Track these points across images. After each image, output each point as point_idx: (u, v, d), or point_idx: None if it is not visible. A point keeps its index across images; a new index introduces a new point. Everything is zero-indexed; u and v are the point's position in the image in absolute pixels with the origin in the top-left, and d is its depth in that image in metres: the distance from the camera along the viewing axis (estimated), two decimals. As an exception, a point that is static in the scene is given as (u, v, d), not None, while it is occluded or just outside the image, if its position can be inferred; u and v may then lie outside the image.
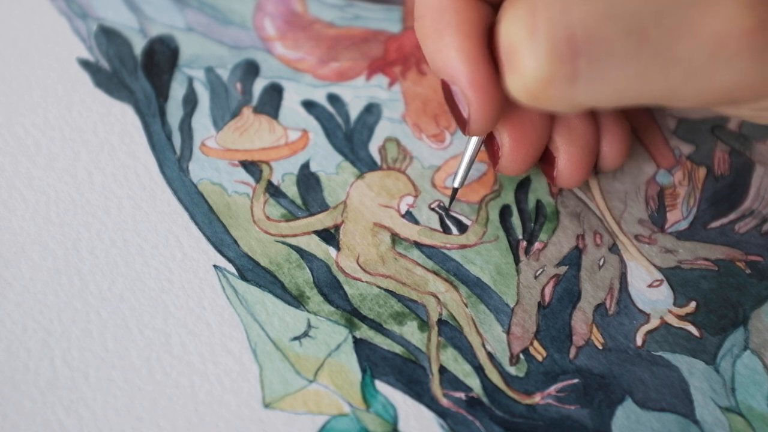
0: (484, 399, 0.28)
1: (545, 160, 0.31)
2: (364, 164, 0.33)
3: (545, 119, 0.29)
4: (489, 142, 0.30)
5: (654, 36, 0.23)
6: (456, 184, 0.31)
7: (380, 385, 0.28)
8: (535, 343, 0.29)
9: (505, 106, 0.27)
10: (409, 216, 0.32)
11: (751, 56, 0.23)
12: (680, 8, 0.23)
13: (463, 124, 0.27)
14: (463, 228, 0.32)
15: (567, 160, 0.30)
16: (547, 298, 0.30)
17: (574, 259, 0.31)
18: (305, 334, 0.29)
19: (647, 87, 0.24)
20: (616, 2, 0.23)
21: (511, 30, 0.24)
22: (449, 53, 0.26)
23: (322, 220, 0.32)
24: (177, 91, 0.35)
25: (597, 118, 0.31)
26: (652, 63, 0.23)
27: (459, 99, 0.27)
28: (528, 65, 0.23)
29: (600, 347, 0.29)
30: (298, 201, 0.32)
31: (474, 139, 0.30)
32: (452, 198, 0.32)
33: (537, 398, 0.28)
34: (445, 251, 0.31)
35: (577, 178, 0.31)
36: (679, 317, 0.30)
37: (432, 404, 0.28)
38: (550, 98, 0.24)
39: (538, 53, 0.23)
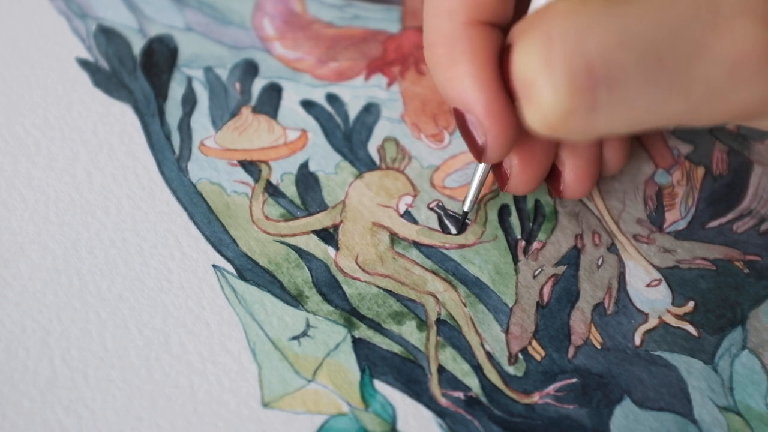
0: (483, 398, 0.28)
1: (551, 175, 0.31)
2: (362, 164, 0.33)
3: (552, 139, 0.29)
4: (497, 166, 0.30)
5: (671, 60, 0.23)
6: (466, 208, 0.31)
7: (379, 385, 0.28)
8: (534, 343, 0.29)
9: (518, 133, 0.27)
10: (407, 216, 0.32)
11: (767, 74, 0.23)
12: (695, 31, 0.22)
13: (478, 152, 0.27)
14: (458, 223, 0.32)
15: (573, 174, 0.30)
16: (545, 298, 0.30)
17: (572, 258, 0.31)
18: (304, 334, 0.29)
19: (667, 111, 0.23)
20: (631, 29, 0.22)
21: (526, 62, 0.23)
22: (464, 82, 0.26)
23: (321, 220, 0.32)
24: (176, 90, 0.35)
25: None
26: (671, 87, 0.23)
27: (474, 127, 0.26)
28: (546, 98, 0.23)
29: (598, 347, 0.29)
30: (297, 201, 0.32)
31: (482, 165, 0.30)
32: (462, 222, 0.32)
33: (536, 398, 0.28)
34: (444, 251, 0.31)
35: (583, 189, 0.31)
36: (678, 317, 0.30)
37: (431, 404, 0.28)
38: (569, 129, 0.24)
39: (557, 85, 0.23)
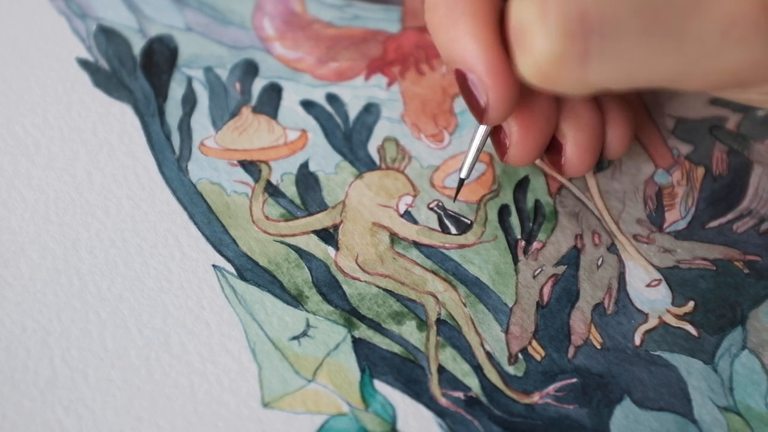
0: (483, 398, 0.28)
1: (552, 149, 0.30)
2: (362, 164, 0.33)
3: (552, 107, 0.29)
4: (495, 134, 0.30)
5: (665, 14, 0.23)
6: (463, 175, 0.31)
7: (379, 385, 0.28)
8: (534, 343, 0.29)
9: (519, 93, 0.27)
10: (407, 216, 0.32)
11: (762, 37, 0.23)
12: None
13: (480, 113, 0.27)
14: (462, 226, 0.32)
15: (575, 146, 0.30)
16: (545, 298, 0.30)
17: (572, 258, 0.31)
18: (304, 334, 0.29)
19: (659, 66, 0.24)
20: None
21: (521, 10, 0.24)
22: (465, 41, 0.26)
23: (321, 220, 0.32)
24: (176, 90, 0.35)
25: (602, 105, 0.31)
26: (664, 41, 0.23)
27: (476, 87, 0.26)
28: (539, 44, 0.23)
29: (598, 347, 0.29)
30: (297, 201, 0.32)
31: (481, 129, 0.30)
32: (458, 189, 0.31)
33: (535, 398, 0.28)
34: (444, 251, 0.31)
35: (585, 164, 0.30)
36: (678, 317, 0.30)
37: (431, 404, 0.28)
38: (562, 78, 0.24)
39: (550, 32, 0.23)
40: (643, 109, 0.35)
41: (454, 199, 0.32)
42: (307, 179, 0.33)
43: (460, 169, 0.31)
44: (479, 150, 0.30)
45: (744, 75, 0.24)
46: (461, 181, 0.31)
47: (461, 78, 0.27)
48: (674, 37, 0.23)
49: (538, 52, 0.24)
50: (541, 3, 0.23)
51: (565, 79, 0.24)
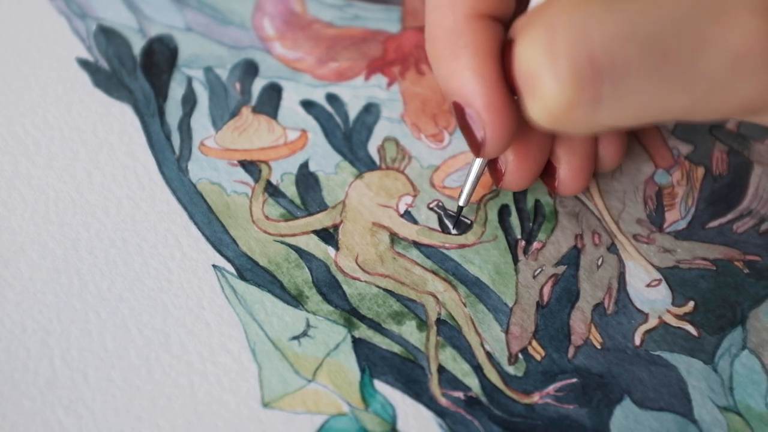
0: (483, 398, 0.28)
1: (546, 171, 0.31)
2: (362, 164, 0.33)
3: (547, 135, 0.29)
4: (492, 162, 0.30)
5: (674, 53, 0.23)
6: (461, 203, 0.31)
7: (379, 385, 0.28)
8: (534, 343, 0.29)
9: (516, 129, 0.27)
10: (407, 216, 0.32)
11: None
12: (698, 24, 0.22)
13: (477, 146, 0.27)
14: (462, 226, 0.32)
15: (568, 170, 0.30)
16: (545, 298, 0.30)
17: (572, 258, 0.31)
18: (304, 334, 0.29)
19: (670, 104, 0.23)
20: (634, 21, 0.22)
21: (530, 54, 0.23)
22: (465, 75, 0.26)
23: (321, 220, 0.32)
24: (176, 90, 0.35)
25: None
26: (674, 80, 0.23)
27: (474, 121, 0.26)
28: (550, 90, 0.23)
29: (598, 347, 0.29)
30: (297, 201, 0.32)
31: (479, 160, 0.30)
32: (458, 216, 0.32)
33: (536, 398, 0.28)
34: (444, 251, 0.31)
35: (578, 185, 0.31)
36: (678, 317, 0.30)
37: (431, 404, 0.28)
38: (573, 122, 0.24)
39: (561, 78, 0.23)
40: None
41: (453, 226, 0.32)
42: (307, 179, 0.33)
43: (459, 197, 0.31)
44: (476, 180, 0.30)
45: (755, 105, 0.24)
46: (460, 209, 0.31)
47: (459, 111, 0.27)
48: (684, 74, 0.23)
49: (549, 98, 0.23)
50: (550, 47, 0.23)
51: (576, 122, 0.24)
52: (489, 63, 0.26)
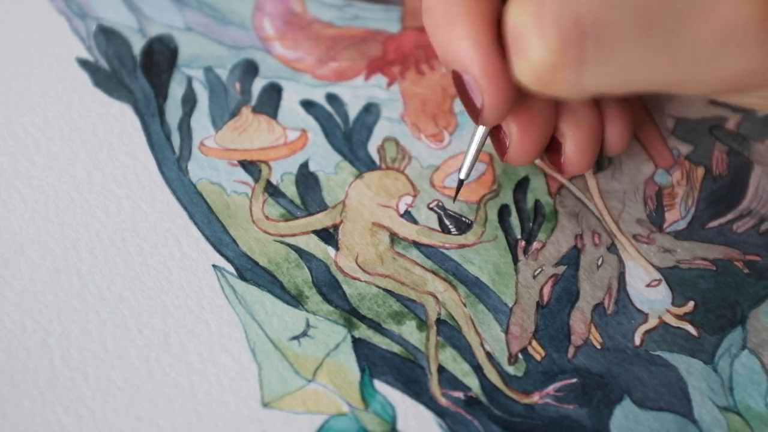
0: (483, 398, 0.28)
1: (552, 148, 0.30)
2: (362, 164, 0.33)
3: (551, 107, 0.29)
4: (495, 134, 0.30)
5: (662, 20, 0.23)
6: (462, 176, 0.31)
7: (379, 385, 0.28)
8: (534, 343, 0.29)
9: (515, 95, 0.27)
10: (407, 216, 0.32)
11: (760, 45, 0.23)
12: None
13: (476, 114, 0.27)
14: (462, 226, 0.32)
15: (574, 146, 0.30)
16: (545, 298, 0.30)
17: (572, 258, 0.31)
18: (304, 334, 0.29)
19: (655, 72, 0.24)
20: None
21: (518, 15, 0.24)
22: (461, 43, 0.26)
23: (321, 220, 0.32)
24: (176, 90, 0.35)
25: (600, 104, 0.31)
26: (661, 47, 0.23)
27: (472, 88, 0.27)
28: (536, 50, 0.23)
29: (598, 347, 0.29)
30: (297, 201, 0.32)
31: (480, 130, 0.30)
32: (458, 189, 0.32)
33: (535, 398, 0.28)
34: (444, 251, 0.31)
35: (584, 163, 0.30)
36: (678, 317, 0.30)
37: (431, 404, 0.28)
38: (557, 83, 0.24)
39: (546, 38, 0.23)
40: (643, 109, 0.35)
41: (454, 199, 0.32)
42: (307, 179, 0.33)
43: (460, 170, 0.31)
44: (478, 151, 0.30)
45: (742, 81, 0.24)
46: (461, 182, 0.31)
47: (458, 79, 0.27)
48: (671, 42, 0.23)
49: (534, 58, 0.24)
50: (537, 9, 0.23)
51: (561, 84, 0.24)
52: (484, 30, 0.26)
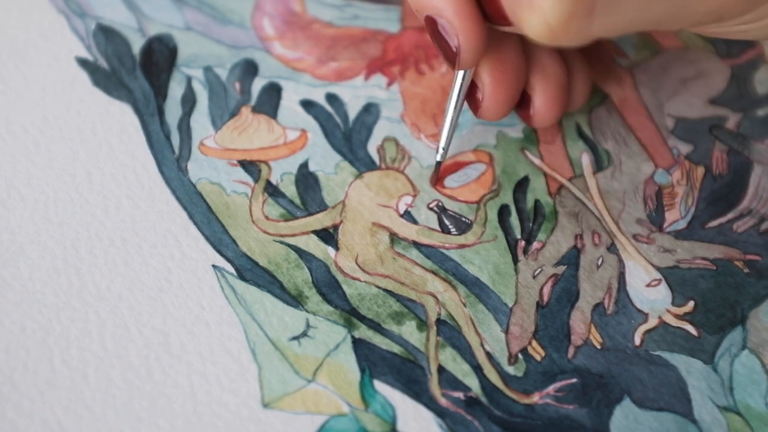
0: (483, 399, 0.28)
1: (522, 103, 0.32)
2: (362, 164, 0.33)
3: (521, 60, 0.31)
4: (469, 92, 0.31)
5: None
6: (443, 144, 0.32)
7: (379, 385, 0.28)
8: (534, 343, 0.29)
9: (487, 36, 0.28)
10: (407, 216, 0.32)
11: None
12: None
13: (452, 57, 0.28)
14: (462, 226, 0.32)
15: (543, 98, 0.31)
16: (545, 298, 0.30)
17: (572, 258, 0.31)
18: (304, 334, 0.29)
19: (653, 12, 0.25)
20: None
21: None
22: None
23: (321, 220, 0.32)
24: (175, 90, 0.35)
25: (565, 59, 0.32)
26: None
27: (447, 31, 0.28)
28: (549, 3, 0.24)
29: (598, 347, 0.29)
30: (297, 201, 0.32)
31: (458, 80, 0.30)
32: (441, 159, 0.32)
33: (535, 398, 0.28)
34: (444, 251, 0.31)
35: (552, 114, 0.32)
36: (678, 317, 0.30)
37: (431, 404, 0.28)
38: (569, 33, 0.25)
39: None
40: (643, 109, 0.35)
41: (434, 181, 0.32)
42: (306, 179, 0.33)
43: (439, 136, 0.32)
44: (457, 111, 0.31)
45: (721, 10, 0.26)
46: (444, 152, 0.32)
47: (431, 24, 0.28)
48: None
49: (547, 11, 0.24)
50: None
51: (571, 33, 0.25)
52: None
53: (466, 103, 0.31)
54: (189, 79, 0.35)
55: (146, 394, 0.28)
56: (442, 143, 0.32)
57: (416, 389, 0.28)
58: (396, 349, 0.29)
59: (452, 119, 0.31)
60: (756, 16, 0.26)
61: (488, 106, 0.31)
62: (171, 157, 0.33)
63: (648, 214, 0.33)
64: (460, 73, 0.30)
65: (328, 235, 0.31)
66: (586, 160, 0.34)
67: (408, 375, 0.28)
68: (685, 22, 0.26)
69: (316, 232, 0.31)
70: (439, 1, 0.27)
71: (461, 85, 0.30)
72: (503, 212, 0.32)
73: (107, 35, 0.36)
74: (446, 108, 0.31)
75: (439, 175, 0.32)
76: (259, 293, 0.30)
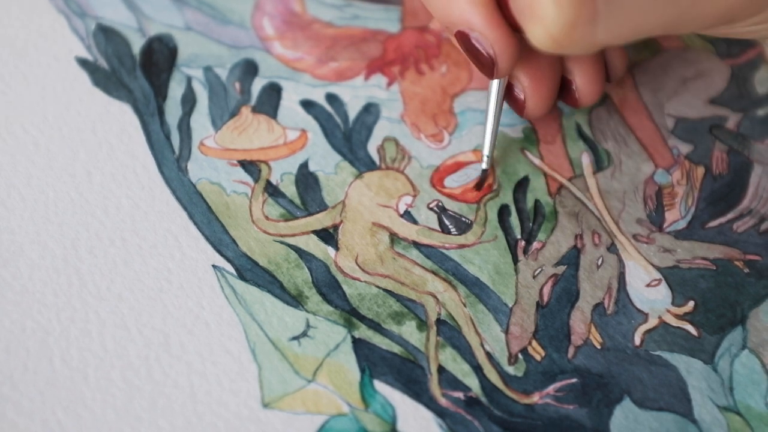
0: (483, 399, 0.28)
1: (563, 89, 0.32)
2: (362, 164, 0.33)
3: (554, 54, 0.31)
4: (509, 95, 0.31)
5: None
6: (486, 152, 0.32)
7: (379, 385, 0.28)
8: (534, 343, 0.29)
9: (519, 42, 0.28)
10: (407, 216, 0.32)
11: None
12: None
13: (489, 67, 0.29)
14: (462, 226, 0.32)
15: (583, 78, 0.31)
16: (545, 298, 0.30)
17: (572, 258, 0.31)
18: (304, 334, 0.29)
19: (659, 17, 0.25)
20: None
21: None
22: (460, 3, 0.28)
23: (321, 220, 0.32)
24: (175, 90, 0.35)
25: None
26: None
27: (480, 42, 0.28)
28: (550, 13, 0.24)
29: (598, 347, 0.29)
30: (297, 201, 0.32)
31: (494, 90, 0.31)
32: (484, 177, 0.32)
33: (535, 398, 0.28)
34: (444, 251, 0.31)
35: (595, 91, 0.32)
36: (678, 316, 0.30)
37: (431, 404, 0.28)
38: (572, 42, 0.25)
39: (560, 1, 0.24)
40: (643, 109, 0.35)
41: (482, 181, 0.33)
42: (306, 179, 0.33)
43: (483, 147, 0.32)
44: (497, 119, 0.31)
45: (732, 13, 0.26)
46: (487, 170, 0.32)
47: (464, 39, 0.28)
48: None
49: (549, 21, 0.25)
50: None
51: (575, 42, 0.25)
52: None
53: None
54: (189, 79, 0.35)
55: (146, 394, 0.28)
56: (486, 151, 0.32)
57: (416, 389, 0.28)
58: (396, 349, 0.29)
59: (493, 126, 0.31)
60: (767, 16, 0.26)
61: (533, 105, 0.31)
62: (171, 157, 0.33)
63: (648, 214, 0.33)
64: (496, 80, 0.30)
65: (328, 235, 0.31)
66: (586, 160, 0.34)
67: (408, 375, 0.28)
68: (694, 25, 0.26)
69: (316, 232, 0.31)
70: (470, 14, 0.28)
71: (498, 92, 0.31)
72: (503, 212, 0.32)
73: (107, 35, 0.36)
74: (486, 115, 0.31)
75: (482, 182, 0.33)
76: (259, 293, 0.30)
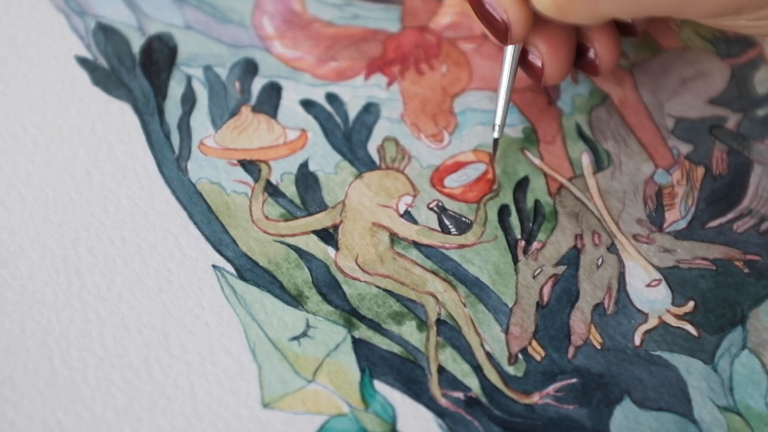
0: (483, 399, 0.28)
1: (580, 56, 0.32)
2: (362, 164, 0.33)
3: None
4: (526, 64, 0.31)
5: None
6: (498, 121, 0.32)
7: (379, 385, 0.28)
8: (534, 343, 0.29)
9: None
10: (407, 216, 0.32)
11: None
12: None
13: (503, 32, 0.29)
14: (462, 226, 0.32)
15: (601, 41, 0.31)
16: (545, 298, 0.30)
17: (572, 258, 0.31)
18: (304, 334, 0.29)
19: None
20: None
21: None
22: None
23: (321, 220, 0.32)
24: (175, 89, 0.35)
25: None
26: None
27: (494, 7, 0.28)
28: None
29: (598, 347, 0.29)
30: (297, 200, 0.32)
31: (509, 56, 0.31)
32: (495, 147, 0.33)
33: (535, 398, 0.28)
34: (444, 251, 0.31)
35: (615, 52, 0.32)
36: (678, 317, 0.30)
37: (431, 404, 0.28)
38: (576, 10, 0.26)
39: None
40: (643, 109, 0.35)
41: (493, 156, 0.33)
42: (306, 179, 0.33)
43: (495, 116, 0.32)
44: (511, 87, 0.31)
45: (740, 2, 0.26)
46: (498, 136, 0.32)
47: (478, 5, 0.29)
48: None
49: None
50: None
51: (578, 11, 0.26)
52: None
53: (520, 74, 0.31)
54: (189, 79, 0.35)
55: (146, 394, 0.28)
56: (498, 120, 0.32)
57: (416, 389, 0.28)
58: (396, 349, 0.29)
59: (506, 95, 0.32)
60: None
61: (551, 71, 0.31)
62: (171, 157, 0.33)
63: (648, 214, 0.33)
64: (510, 47, 0.31)
65: (328, 235, 0.31)
66: (586, 160, 0.34)
67: (408, 375, 0.28)
68: (701, 10, 0.26)
69: (316, 232, 0.31)
70: None
71: (512, 60, 0.31)
72: (503, 212, 0.32)
73: (107, 34, 0.36)
74: (499, 84, 0.32)
75: (495, 152, 0.33)
76: (259, 293, 0.30)
